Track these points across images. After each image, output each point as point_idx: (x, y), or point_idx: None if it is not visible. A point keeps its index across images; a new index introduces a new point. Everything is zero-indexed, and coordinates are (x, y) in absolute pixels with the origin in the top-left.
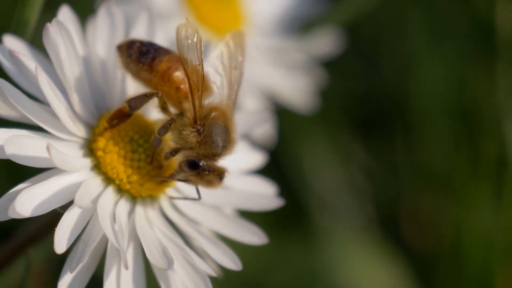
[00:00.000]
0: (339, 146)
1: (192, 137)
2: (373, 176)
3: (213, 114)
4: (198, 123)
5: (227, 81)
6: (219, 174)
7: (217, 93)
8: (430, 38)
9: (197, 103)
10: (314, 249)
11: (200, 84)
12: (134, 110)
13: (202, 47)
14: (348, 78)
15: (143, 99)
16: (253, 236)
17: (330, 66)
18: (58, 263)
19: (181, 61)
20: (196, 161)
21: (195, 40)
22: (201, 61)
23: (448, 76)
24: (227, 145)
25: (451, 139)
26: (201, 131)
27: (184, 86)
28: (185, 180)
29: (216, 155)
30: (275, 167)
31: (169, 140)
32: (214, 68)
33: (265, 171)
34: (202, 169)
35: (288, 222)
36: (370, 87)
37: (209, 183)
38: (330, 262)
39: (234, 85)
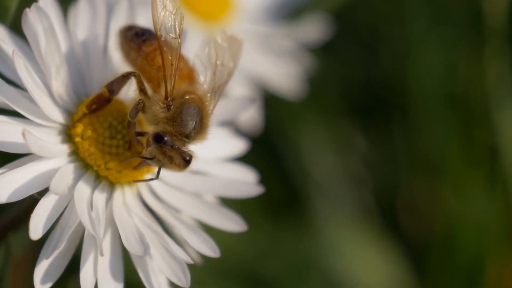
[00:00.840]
0: (336, 133)
1: (161, 112)
2: (370, 163)
3: (187, 96)
4: (168, 99)
5: (211, 74)
6: (184, 156)
7: (198, 83)
8: (428, 24)
9: (168, 77)
10: (310, 236)
11: (174, 59)
12: (114, 95)
13: (182, 22)
14: (346, 64)
15: (121, 80)
16: (232, 223)
17: (328, 52)
18: (38, 250)
19: (155, 31)
20: (160, 134)
21: (173, 12)
22: (179, 36)
23: (446, 62)
24: (198, 129)
25: (448, 126)
26: (171, 107)
27: None
28: (150, 158)
29: (184, 135)
30: (273, 154)
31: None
32: (198, 59)
33: (262, 158)
34: (165, 142)
35: (284, 209)
36: (368, 73)
37: (171, 162)
38: (326, 249)
39: (218, 81)
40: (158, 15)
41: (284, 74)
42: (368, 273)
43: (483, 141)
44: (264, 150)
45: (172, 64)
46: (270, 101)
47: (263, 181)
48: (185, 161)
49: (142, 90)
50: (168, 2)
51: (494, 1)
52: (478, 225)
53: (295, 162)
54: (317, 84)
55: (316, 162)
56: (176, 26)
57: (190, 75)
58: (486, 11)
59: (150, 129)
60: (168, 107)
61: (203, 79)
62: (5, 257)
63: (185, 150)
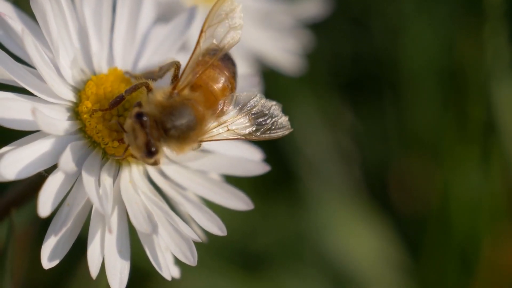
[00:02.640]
0: (327, 109)
1: (159, 97)
2: (361, 139)
3: (193, 101)
4: (175, 91)
5: (245, 119)
6: (149, 144)
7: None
8: (419, 1)
9: (186, 73)
10: (302, 213)
11: (200, 65)
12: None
13: (233, 40)
14: (336, 41)
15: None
16: (239, 201)
17: (319, 29)
18: (41, 225)
19: (203, 25)
20: (143, 112)
21: (231, 25)
22: (222, 49)
23: (436, 39)
24: (180, 133)
25: (439, 103)
26: (172, 98)
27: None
28: (124, 130)
29: (164, 127)
30: None
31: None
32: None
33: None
34: (141, 120)
35: (275, 186)
36: (358, 50)
37: (135, 142)
38: (317, 226)
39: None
40: (217, 15)
41: (283, 50)
42: (360, 249)
43: (477, 117)
44: None
45: (197, 64)
46: (262, 74)
47: None
48: (148, 150)
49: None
50: (235, 13)
51: None
52: (472, 202)
53: (287, 139)
54: (308, 60)
55: (307, 139)
56: (226, 38)
57: (216, 95)
58: None
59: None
60: (169, 96)
61: (232, 112)
62: (8, 232)
63: (154, 141)
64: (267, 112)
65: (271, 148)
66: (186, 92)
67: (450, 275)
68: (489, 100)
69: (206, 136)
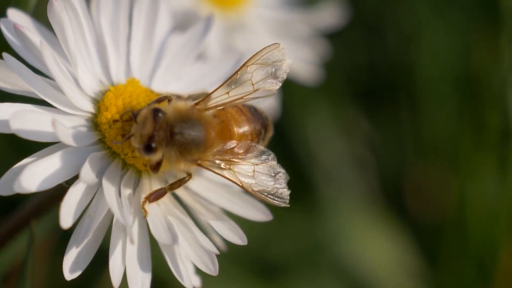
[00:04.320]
0: (343, 117)
1: (180, 105)
2: (377, 147)
3: (212, 121)
4: (196, 107)
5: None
6: (152, 138)
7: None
8: (434, 7)
9: (212, 97)
10: (318, 220)
11: (228, 96)
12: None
13: (272, 83)
14: (352, 49)
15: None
16: (258, 212)
17: (334, 37)
18: (62, 235)
19: (248, 59)
20: (161, 109)
21: (276, 71)
22: (251, 91)
23: (452, 46)
24: (183, 142)
25: (455, 110)
26: (193, 109)
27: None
28: (136, 121)
29: (172, 130)
30: (280, 139)
31: None
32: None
33: (269, 143)
34: (156, 114)
35: (292, 193)
36: (374, 58)
37: (139, 133)
38: (333, 233)
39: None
40: (264, 57)
41: (300, 59)
42: (377, 256)
43: (493, 124)
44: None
45: (226, 93)
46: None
47: None
48: (148, 143)
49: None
50: (282, 65)
51: None
52: (489, 209)
53: (302, 146)
54: (324, 68)
55: (323, 146)
56: (264, 83)
57: (232, 135)
58: None
59: None
60: (189, 108)
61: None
62: (29, 242)
63: (158, 139)
64: (273, 175)
65: (287, 156)
66: (206, 113)
67: (467, 283)
68: (505, 107)
69: (206, 163)
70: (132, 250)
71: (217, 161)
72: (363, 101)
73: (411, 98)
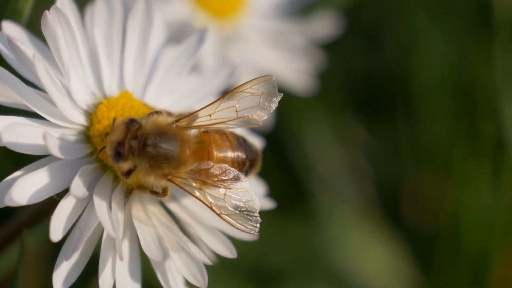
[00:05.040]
0: (340, 126)
1: (160, 119)
2: (373, 155)
3: (190, 139)
4: (176, 123)
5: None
6: (120, 145)
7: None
8: (431, 17)
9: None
10: (314, 228)
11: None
12: None
13: (259, 114)
14: (349, 57)
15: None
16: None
17: (331, 46)
18: (54, 246)
19: (239, 86)
20: (137, 120)
21: (265, 102)
22: (240, 117)
23: (448, 55)
24: (155, 155)
25: (451, 118)
26: (171, 125)
27: None
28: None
29: (145, 140)
30: (276, 148)
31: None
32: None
33: (266, 152)
34: (129, 124)
35: (288, 202)
36: (371, 66)
37: (110, 139)
38: (330, 242)
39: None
40: (255, 87)
41: (295, 70)
42: (372, 265)
43: (488, 133)
44: (268, 144)
45: (208, 115)
46: None
47: (266, 173)
48: (117, 149)
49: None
50: (272, 98)
51: None
52: (484, 218)
53: (299, 154)
54: (320, 77)
55: (320, 155)
56: (250, 112)
57: (211, 158)
58: (495, 4)
59: None
60: (168, 124)
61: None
62: (20, 253)
63: (128, 147)
64: (244, 201)
65: (283, 164)
66: (185, 131)
67: None
68: (499, 116)
69: (177, 179)
70: (122, 265)
71: (189, 180)
72: (360, 109)
73: (408, 106)
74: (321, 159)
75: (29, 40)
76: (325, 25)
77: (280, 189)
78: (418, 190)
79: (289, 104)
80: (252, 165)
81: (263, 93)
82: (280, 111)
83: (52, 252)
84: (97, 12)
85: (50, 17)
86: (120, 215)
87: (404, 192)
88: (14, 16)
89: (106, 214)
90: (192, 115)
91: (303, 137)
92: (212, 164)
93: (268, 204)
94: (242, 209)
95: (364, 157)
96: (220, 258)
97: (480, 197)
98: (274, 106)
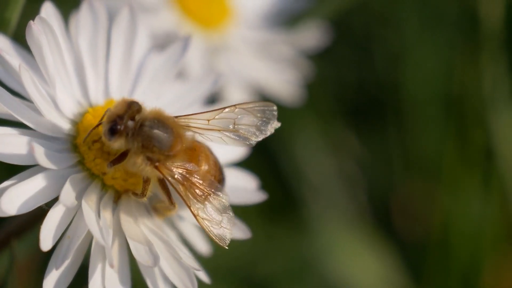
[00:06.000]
0: (331, 135)
1: (161, 111)
2: (364, 164)
3: (184, 137)
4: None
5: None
6: (118, 121)
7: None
8: (422, 26)
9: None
10: (306, 237)
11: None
12: None
13: (253, 134)
14: (340, 67)
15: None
16: (237, 231)
17: (322, 56)
18: (43, 255)
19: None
20: (139, 103)
21: (262, 125)
22: (236, 130)
23: (438, 65)
24: (148, 137)
25: (441, 128)
26: (173, 118)
27: None
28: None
29: (142, 124)
30: (267, 156)
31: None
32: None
33: (257, 161)
34: (130, 103)
35: (280, 211)
36: (361, 76)
37: (109, 114)
38: (321, 250)
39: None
40: (256, 109)
41: (283, 80)
42: (363, 274)
43: (478, 143)
44: (259, 152)
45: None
46: None
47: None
48: (115, 123)
49: None
50: (270, 123)
51: (490, 6)
52: (474, 227)
53: (290, 164)
54: (311, 87)
55: (311, 164)
56: (246, 130)
57: (199, 165)
58: (482, 15)
59: None
60: (170, 117)
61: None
62: (10, 262)
63: (125, 123)
64: (221, 212)
65: (275, 173)
66: (181, 128)
67: None
68: (488, 125)
69: (164, 169)
70: (112, 272)
71: (176, 173)
72: (351, 119)
73: (398, 115)
74: (312, 168)
75: (15, 50)
76: (312, 35)
77: (271, 198)
78: (408, 199)
79: (280, 113)
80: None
81: (263, 117)
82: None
83: (42, 261)
84: (82, 21)
85: (34, 27)
86: (109, 223)
87: (395, 200)
88: (1, 26)
89: (95, 222)
90: (190, 116)
91: (294, 146)
92: (199, 169)
93: (260, 197)
94: (217, 218)
95: (355, 166)
96: (211, 266)
97: (470, 206)
98: (269, 132)
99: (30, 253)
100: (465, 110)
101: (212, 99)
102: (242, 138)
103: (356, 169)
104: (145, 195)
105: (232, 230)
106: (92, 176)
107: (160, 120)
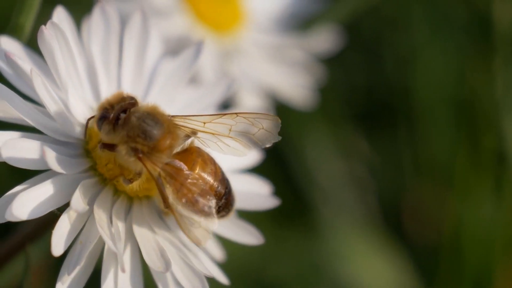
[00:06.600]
0: (341, 139)
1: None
2: (375, 169)
3: (177, 137)
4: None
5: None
6: (109, 110)
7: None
8: (432, 31)
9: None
10: (316, 242)
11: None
12: None
13: (250, 143)
14: (350, 71)
15: None
16: (249, 236)
17: (332, 60)
18: (55, 260)
19: (244, 112)
20: (135, 98)
21: (261, 136)
22: (233, 137)
23: (449, 68)
24: (135, 128)
25: (453, 132)
26: (168, 115)
27: None
28: None
29: (133, 115)
30: (278, 161)
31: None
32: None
33: (268, 165)
34: (126, 97)
35: (290, 216)
36: (371, 80)
37: (105, 102)
38: (332, 254)
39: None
40: (258, 120)
41: (295, 85)
42: (374, 278)
43: (489, 147)
44: (269, 155)
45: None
46: (275, 108)
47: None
48: (104, 111)
49: None
50: (270, 136)
51: (503, 9)
52: (486, 231)
53: (301, 168)
54: (321, 90)
55: (322, 168)
56: (243, 139)
57: (192, 169)
58: (495, 19)
59: None
60: (164, 113)
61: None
62: (25, 266)
63: (116, 112)
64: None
65: (285, 177)
66: (176, 127)
67: None
68: (500, 130)
69: (148, 163)
70: (124, 278)
71: (160, 167)
72: (361, 123)
73: (409, 120)
74: (322, 172)
75: (27, 55)
76: (325, 39)
77: (282, 203)
78: (419, 203)
79: (291, 117)
80: (224, 207)
81: (263, 128)
82: (282, 124)
83: (54, 266)
84: (94, 25)
85: (46, 32)
86: (121, 229)
87: (405, 204)
88: (15, 31)
89: (107, 228)
90: (187, 117)
91: (304, 150)
92: (191, 173)
93: (273, 203)
94: (197, 219)
95: (365, 170)
96: (221, 271)
97: (482, 210)
98: (267, 145)
99: (42, 257)
100: (476, 114)
101: (225, 104)
102: (235, 146)
103: (366, 172)
104: (131, 182)
105: (210, 233)
106: (104, 181)
107: (151, 114)
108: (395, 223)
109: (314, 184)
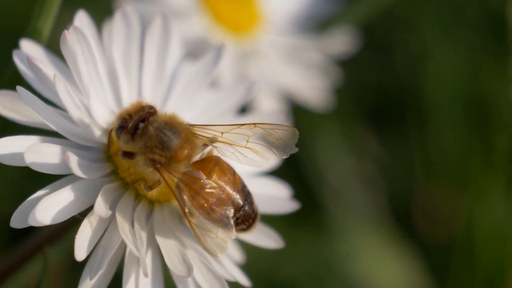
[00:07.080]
0: (352, 138)
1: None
2: (386, 168)
3: (195, 147)
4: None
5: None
6: (127, 120)
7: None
8: (442, 29)
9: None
10: (328, 241)
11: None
12: None
13: (267, 154)
14: (361, 70)
15: None
16: (269, 239)
17: (344, 60)
18: (73, 262)
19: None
20: (155, 108)
21: (278, 147)
22: (248, 147)
23: (460, 67)
24: (152, 138)
25: (464, 131)
26: (186, 124)
27: None
28: None
29: (150, 124)
30: (289, 159)
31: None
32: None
33: (279, 165)
34: (145, 106)
35: (301, 214)
36: (383, 79)
37: (124, 110)
38: (343, 253)
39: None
40: (276, 131)
41: (312, 86)
42: (386, 277)
43: (502, 146)
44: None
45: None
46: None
47: None
48: (124, 120)
49: None
50: (287, 148)
51: None
52: (498, 230)
53: (312, 167)
54: (334, 91)
55: (332, 167)
56: (260, 149)
57: (209, 176)
58: (509, 18)
59: None
60: (182, 122)
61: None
62: (43, 268)
63: (134, 122)
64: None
65: (297, 177)
66: (194, 136)
67: None
68: None
69: (165, 173)
70: (146, 282)
71: (177, 177)
72: (372, 121)
73: (420, 119)
74: (333, 171)
75: (48, 59)
76: (342, 41)
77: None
78: (430, 203)
79: (302, 116)
80: (244, 220)
81: (280, 139)
82: (293, 123)
83: (72, 268)
84: (115, 30)
85: (69, 37)
86: (143, 233)
87: (417, 204)
88: (34, 35)
89: (129, 232)
90: (205, 126)
91: (316, 149)
92: (207, 180)
93: (292, 206)
94: (214, 230)
95: (377, 169)
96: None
97: (494, 209)
98: (285, 156)
99: (61, 259)
100: (489, 113)
101: (243, 107)
102: (252, 157)
103: (378, 172)
104: (152, 189)
105: (227, 243)
106: (126, 185)
107: (169, 124)
108: (406, 222)
109: (326, 184)
